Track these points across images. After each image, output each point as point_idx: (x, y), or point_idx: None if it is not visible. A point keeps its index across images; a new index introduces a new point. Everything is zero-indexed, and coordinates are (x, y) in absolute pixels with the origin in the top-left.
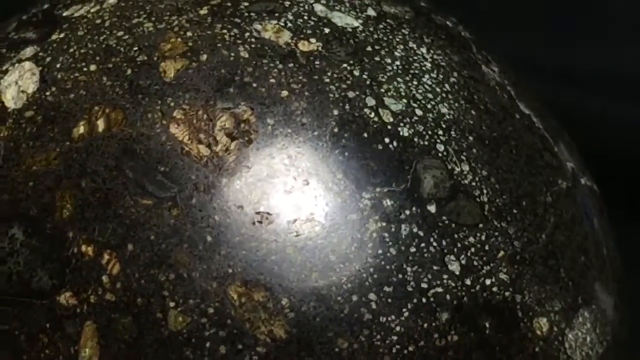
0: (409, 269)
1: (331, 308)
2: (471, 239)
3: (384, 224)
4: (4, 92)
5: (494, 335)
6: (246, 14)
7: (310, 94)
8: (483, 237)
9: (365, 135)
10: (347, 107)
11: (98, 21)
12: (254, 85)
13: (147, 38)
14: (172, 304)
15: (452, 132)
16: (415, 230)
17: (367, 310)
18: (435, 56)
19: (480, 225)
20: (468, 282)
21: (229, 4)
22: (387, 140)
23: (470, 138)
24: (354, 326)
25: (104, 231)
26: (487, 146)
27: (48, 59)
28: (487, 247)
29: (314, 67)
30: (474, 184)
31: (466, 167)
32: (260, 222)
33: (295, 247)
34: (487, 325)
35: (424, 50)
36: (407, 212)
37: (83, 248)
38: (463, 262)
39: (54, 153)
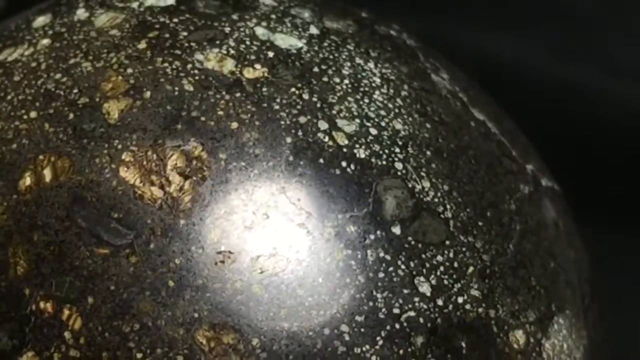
0: (379, 295)
1: (303, 344)
2: (439, 258)
3: (349, 251)
4: None
5: (471, 354)
6: (186, 45)
7: (261, 123)
8: (451, 254)
9: (322, 160)
10: (300, 133)
11: (33, 64)
12: (202, 119)
13: (86, 79)
14: (139, 355)
15: (409, 149)
16: (381, 254)
17: (340, 343)
18: (383, 70)
19: (447, 243)
20: (440, 302)
21: (167, 36)
22: (344, 164)
23: (428, 153)
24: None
25: (62, 285)
26: (445, 159)
27: None
28: (455, 264)
29: (261, 94)
30: (436, 200)
31: (427, 184)
32: (222, 262)
33: (261, 285)
34: (463, 345)
35: (371, 65)
36: (372, 236)
37: (42, 305)
38: (433, 282)
39: (1, 208)
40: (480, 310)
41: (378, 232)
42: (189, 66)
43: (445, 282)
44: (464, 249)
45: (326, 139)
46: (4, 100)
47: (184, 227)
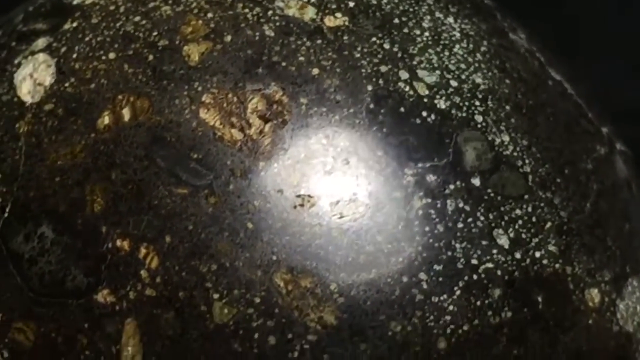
0: (457, 245)
1: (381, 290)
2: (518, 211)
3: (429, 200)
4: (19, 86)
5: (547, 309)
6: None
7: (342, 70)
8: (529, 209)
9: (402, 109)
10: (380, 81)
11: (112, 7)
12: (283, 64)
13: (166, 22)
14: (216, 296)
15: (489, 102)
16: (461, 205)
17: (418, 291)
18: (463, 25)
19: (526, 197)
20: (518, 255)
21: None
22: (424, 113)
23: (507, 107)
24: (406, 308)
25: (139, 224)
26: (524, 115)
27: (63, 49)
28: (534, 219)
29: (342, 42)
30: (515, 154)
31: (506, 138)
32: (301, 205)
33: (340, 230)
34: (539, 299)
35: (451, 19)
36: (452, 186)
37: (118, 243)
38: (511, 235)
39: (79, 146)
40: (557, 265)
41: (458, 183)
42: (270, 12)
43: (523, 235)
44: (542, 204)
45: (407, 89)
46: (82, 42)
47: (263, 169)
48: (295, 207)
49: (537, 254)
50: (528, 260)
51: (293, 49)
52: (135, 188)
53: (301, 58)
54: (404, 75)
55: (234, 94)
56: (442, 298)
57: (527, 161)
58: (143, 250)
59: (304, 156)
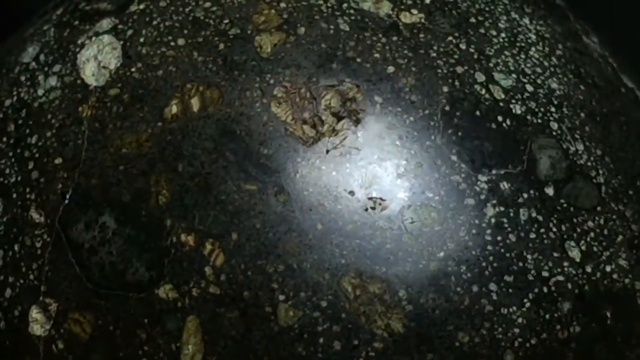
0: (529, 256)
1: (451, 300)
2: (590, 223)
3: (502, 208)
4: (82, 67)
5: (615, 325)
6: None
7: (418, 69)
8: (602, 221)
9: (478, 113)
10: (456, 83)
11: None
12: (358, 60)
13: (237, 9)
14: (281, 297)
15: (564, 109)
16: (534, 214)
17: (487, 302)
18: (538, 27)
19: (599, 209)
20: (589, 269)
21: None
22: (500, 118)
23: (582, 115)
24: (475, 318)
25: (205, 219)
26: (599, 123)
27: (129, 32)
28: (606, 232)
29: (419, 40)
30: (589, 164)
31: (581, 147)
32: (373, 208)
33: (411, 235)
34: (608, 314)
35: (526, 21)
36: (525, 195)
37: (183, 237)
38: (583, 248)
39: (145, 134)
40: (626, 280)
41: (531, 192)
42: (345, 5)
43: (595, 248)
44: (614, 216)
45: (483, 92)
46: (150, 25)
47: (335, 169)
48: (366, 209)
49: (608, 268)
50: (598, 274)
51: (368, 44)
52: (202, 181)
53: (376, 55)
54: (481, 77)
55: (306, 89)
56: (511, 310)
57: (600, 171)
58: (208, 247)
59: (376, 157)
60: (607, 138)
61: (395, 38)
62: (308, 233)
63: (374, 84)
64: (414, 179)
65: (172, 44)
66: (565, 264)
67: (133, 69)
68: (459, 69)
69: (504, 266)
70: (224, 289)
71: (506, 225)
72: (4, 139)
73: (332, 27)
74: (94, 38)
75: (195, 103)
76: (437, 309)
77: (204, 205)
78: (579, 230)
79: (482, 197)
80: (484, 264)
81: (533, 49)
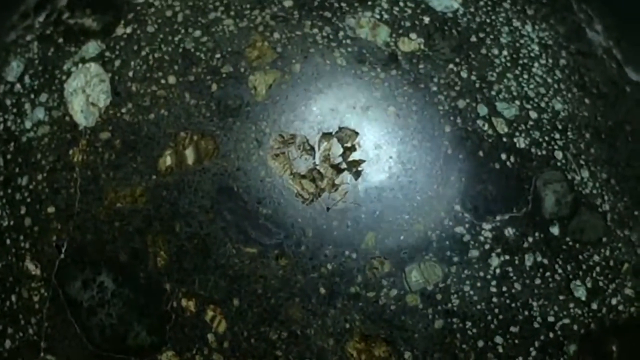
0: (534, 303)
1: (457, 358)
2: (596, 257)
3: (507, 257)
4: (70, 101)
5: (620, 357)
6: (336, 5)
7: (419, 107)
8: (607, 252)
9: (481, 153)
10: (458, 120)
11: (169, 13)
12: (356, 101)
13: (229, 41)
14: None
15: (569, 133)
16: (539, 258)
17: (493, 355)
18: (541, 34)
19: (604, 240)
20: (595, 306)
21: None
22: (503, 156)
23: (587, 135)
24: None
25: (206, 284)
26: (604, 141)
27: (117, 62)
28: (611, 263)
29: (418, 72)
30: (595, 191)
31: (586, 174)
32: (376, 268)
33: (414, 295)
34: (614, 348)
35: (529, 28)
36: (530, 239)
37: (183, 302)
38: (589, 285)
39: (139, 188)
40: (632, 309)
41: (536, 234)
42: (341, 34)
43: (601, 283)
44: (619, 244)
45: (485, 127)
46: (138, 56)
47: (337, 228)
48: (370, 269)
49: (614, 301)
50: (604, 310)
51: (366, 81)
52: (200, 244)
53: (376, 93)
54: (483, 110)
55: (303, 138)
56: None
57: (605, 197)
58: (210, 313)
59: (378, 213)
60: (613, 157)
61: (394, 72)
62: (311, 298)
63: (374, 129)
64: (417, 235)
65: (163, 81)
66: (571, 305)
67: (123, 110)
68: (461, 103)
69: (510, 317)
70: (227, 356)
71: (511, 275)
72: None
73: (328, 61)
74: (80, 65)
75: (190, 155)
76: None
77: (203, 269)
78: (584, 267)
79: (487, 247)
80: (489, 317)
81: (536, 64)
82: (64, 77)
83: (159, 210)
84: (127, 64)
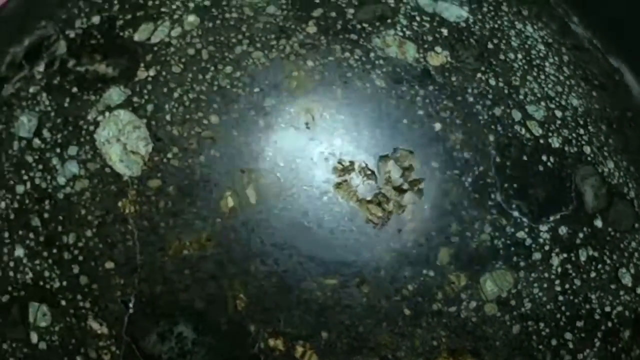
0: (593, 296)
1: (535, 356)
2: (633, 244)
3: (565, 255)
4: (106, 152)
5: None
6: (359, 26)
7: (462, 121)
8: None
9: (525, 157)
10: (499, 128)
11: (191, 51)
12: (405, 121)
13: (264, 74)
14: None
15: (590, 127)
16: (591, 252)
17: (566, 352)
18: (540, 32)
19: (636, 226)
20: (639, 290)
21: (333, 15)
22: (544, 158)
23: (603, 127)
24: None
25: (291, 320)
26: (617, 131)
27: (149, 107)
28: None
29: (452, 85)
30: (621, 181)
31: (611, 165)
32: (453, 283)
33: (493, 305)
34: None
35: (530, 29)
36: (581, 234)
37: (271, 342)
38: (632, 271)
39: (205, 233)
40: None
41: (585, 229)
42: (372, 55)
43: None
44: None
45: (523, 132)
46: (172, 99)
47: (411, 248)
48: (448, 285)
49: None
50: None
51: (408, 100)
52: (279, 281)
53: (420, 112)
54: (517, 115)
55: (362, 163)
56: (585, 353)
57: (630, 185)
58: (300, 349)
59: (439, 227)
60: (627, 145)
61: (431, 87)
62: (397, 320)
63: (427, 146)
64: (484, 244)
65: (205, 122)
66: (622, 292)
67: (169, 155)
68: (497, 111)
69: (575, 313)
70: None
71: (570, 272)
72: (31, 235)
73: (367, 84)
74: (107, 114)
75: (251, 194)
76: None
77: (286, 306)
78: (626, 254)
79: (547, 248)
80: (558, 315)
81: (547, 63)
82: (91, 128)
83: (230, 254)
84: (161, 107)
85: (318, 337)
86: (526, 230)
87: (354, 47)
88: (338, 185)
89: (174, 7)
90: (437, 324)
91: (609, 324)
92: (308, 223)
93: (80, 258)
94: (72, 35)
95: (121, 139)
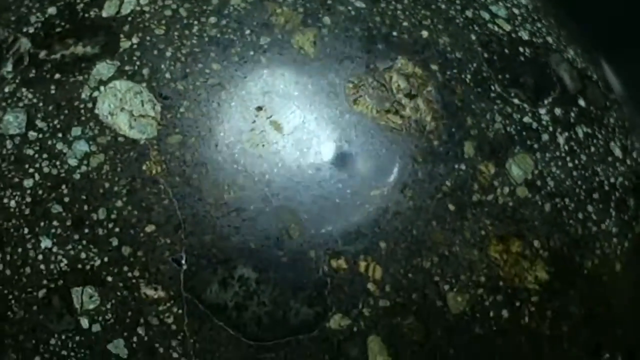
0: (598, 169)
1: (569, 233)
2: (612, 120)
3: (566, 133)
4: (113, 123)
5: None
6: None
7: (444, 26)
8: (614, 112)
9: (507, 50)
10: (476, 27)
11: (168, 12)
12: (394, 34)
13: (249, 17)
14: (446, 287)
15: (544, 21)
16: (585, 129)
17: (592, 224)
18: None
19: (607, 104)
20: (629, 161)
21: None
22: (521, 49)
23: (552, 20)
24: (592, 244)
25: (348, 238)
26: (563, 24)
27: (145, 71)
28: (620, 121)
29: None
30: (584, 65)
31: (572, 52)
32: (484, 172)
33: (522, 186)
34: None
35: None
36: (572, 114)
37: (334, 264)
38: (619, 144)
39: (240, 174)
40: None
41: (574, 109)
42: None
43: (624, 141)
44: (615, 106)
45: (496, 28)
46: (166, 58)
47: (439, 146)
48: (481, 175)
49: (634, 154)
50: (635, 163)
51: (391, 15)
52: (326, 202)
53: (405, 23)
54: (486, 15)
55: (371, 78)
56: (607, 223)
57: (591, 68)
58: (362, 264)
59: (465, 123)
60: (575, 35)
61: (406, 1)
62: (445, 217)
63: (422, 53)
64: (499, 132)
65: (208, 70)
66: (618, 164)
67: (182, 109)
68: (469, 13)
69: (589, 186)
70: (392, 298)
71: (575, 148)
72: (55, 223)
73: (349, 7)
74: (102, 88)
75: (269, 129)
76: (564, 246)
77: (340, 225)
78: (610, 129)
79: (551, 129)
80: (576, 190)
81: None
82: (89, 105)
83: (271, 187)
84: (158, 68)
85: (377, 248)
86: (529, 115)
87: None
88: (356, 102)
89: None
90: (481, 213)
91: (617, 194)
92: (340, 142)
93: (117, 230)
94: (31, 30)
95: (125, 108)
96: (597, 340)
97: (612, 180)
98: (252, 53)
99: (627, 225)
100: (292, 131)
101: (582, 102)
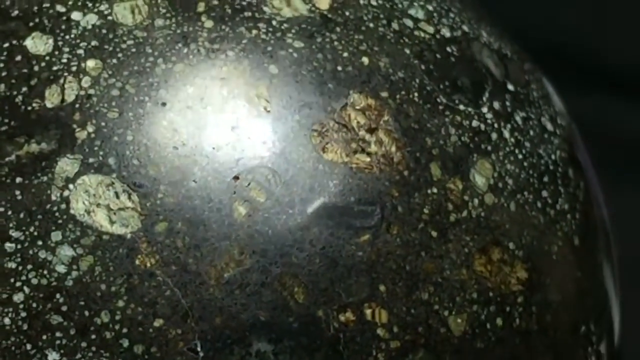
0: (541, 150)
1: (534, 223)
2: (534, 94)
3: (509, 125)
4: (93, 222)
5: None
6: (244, 2)
7: (379, 47)
8: (534, 92)
9: (438, 56)
10: (407, 40)
11: (115, 92)
12: (339, 68)
13: (199, 79)
14: (446, 313)
15: (452, 9)
16: (521, 114)
17: (550, 208)
18: None
19: (526, 78)
20: (558, 130)
21: (216, 2)
22: (449, 49)
23: (458, 5)
24: (555, 226)
25: (349, 289)
26: (467, 6)
27: (111, 160)
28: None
29: (350, 19)
30: (497, 45)
31: (484, 34)
32: (453, 190)
33: (489, 194)
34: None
35: None
36: (508, 103)
37: (342, 318)
38: (547, 116)
39: (235, 249)
40: None
41: (507, 95)
42: (274, 23)
43: (550, 111)
44: (534, 84)
45: (422, 35)
46: (128, 143)
47: (409, 175)
48: (452, 193)
49: (559, 119)
50: (563, 130)
51: (329, 48)
52: (323, 259)
53: (345, 54)
54: (409, 22)
55: (331, 120)
56: (560, 202)
57: (503, 45)
58: (368, 312)
59: (430, 143)
60: (478, 13)
61: (338, 29)
62: (430, 245)
63: (369, 82)
64: (453, 146)
65: (179, 144)
66: (552, 138)
67: (160, 195)
68: (395, 25)
69: (538, 171)
70: (401, 337)
71: (519, 137)
72: (58, 334)
73: (290, 50)
74: (71, 186)
75: (247, 203)
76: (533, 239)
77: (339, 279)
78: (536, 105)
79: (496, 125)
80: (530, 180)
81: None
82: (62, 206)
83: (267, 256)
84: (123, 155)
85: (378, 293)
86: (476, 118)
87: (255, 22)
88: (324, 150)
89: (63, 61)
90: (460, 231)
91: (560, 169)
92: (320, 195)
93: (125, 330)
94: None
95: (101, 203)
96: (574, 318)
97: (552, 157)
98: (222, 119)
99: (574, 197)
100: (273, 194)
101: (510, 87)
